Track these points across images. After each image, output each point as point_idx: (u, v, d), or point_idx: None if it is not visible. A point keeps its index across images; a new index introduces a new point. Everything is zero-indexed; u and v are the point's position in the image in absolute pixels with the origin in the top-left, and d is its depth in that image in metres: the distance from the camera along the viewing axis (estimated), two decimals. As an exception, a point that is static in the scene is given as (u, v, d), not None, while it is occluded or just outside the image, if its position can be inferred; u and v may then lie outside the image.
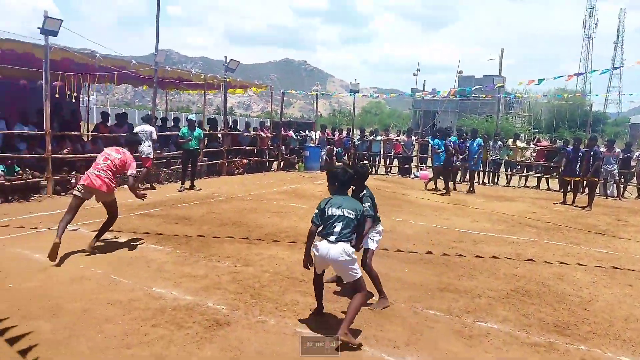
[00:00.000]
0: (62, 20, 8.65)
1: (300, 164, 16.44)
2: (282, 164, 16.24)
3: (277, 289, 4.65)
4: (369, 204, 4.29)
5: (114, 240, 6.15)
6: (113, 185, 5.69)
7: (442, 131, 13.60)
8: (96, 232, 5.83)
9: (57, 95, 9.76)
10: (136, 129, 10.97)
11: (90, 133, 12.31)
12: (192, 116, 11.66)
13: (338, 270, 3.91)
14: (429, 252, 6.32)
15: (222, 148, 13.99)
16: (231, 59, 13.62)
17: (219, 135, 14.61)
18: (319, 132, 17.34)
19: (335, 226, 3.70)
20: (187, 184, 10.76)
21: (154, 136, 10.76)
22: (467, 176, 13.69)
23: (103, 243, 5.90)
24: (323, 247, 3.69)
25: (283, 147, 16.41)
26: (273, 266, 5.36)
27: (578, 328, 4.15)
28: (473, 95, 33.02)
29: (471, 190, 12.72)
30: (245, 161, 14.79)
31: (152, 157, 10.54)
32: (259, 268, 5.27)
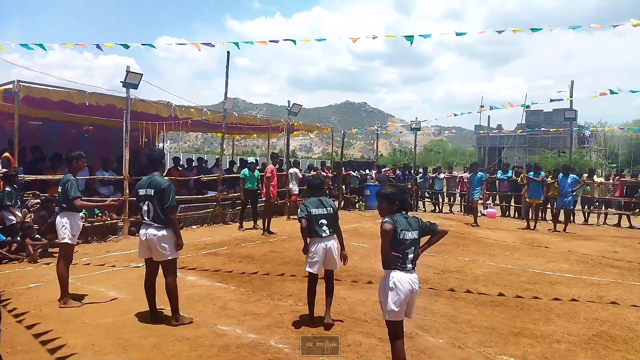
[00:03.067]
0: (142, 74, 9.47)
1: (361, 203, 16.39)
2: (342, 203, 16.28)
3: (339, 329, 4.56)
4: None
5: (182, 278, 6.38)
6: None
7: (538, 167, 13.18)
8: None
9: (140, 144, 10.61)
10: (290, 171, 13.48)
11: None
12: (251, 159, 12.10)
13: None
14: (500, 294, 5.97)
15: (285, 189, 14.30)
16: (294, 103, 14.12)
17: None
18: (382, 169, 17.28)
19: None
20: (256, 223, 11.09)
21: (299, 176, 13.48)
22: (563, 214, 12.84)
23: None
24: None
25: (344, 186, 16.50)
26: (335, 305, 5.28)
27: (677, 381, 3.69)
28: (542, 129, 31.68)
29: (564, 230, 11.93)
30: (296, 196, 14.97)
31: (296, 192, 13.15)
32: (321, 307, 5.22)
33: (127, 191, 9.61)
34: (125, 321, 4.67)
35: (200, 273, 6.67)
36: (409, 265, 3.40)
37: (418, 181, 16.85)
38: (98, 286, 5.90)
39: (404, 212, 3.52)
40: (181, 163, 14.50)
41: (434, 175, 16.97)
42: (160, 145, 17.32)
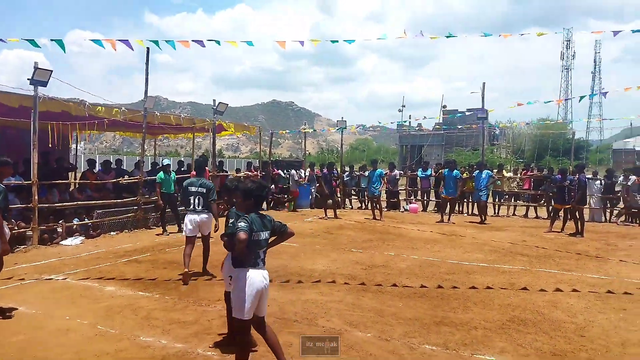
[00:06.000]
0: (51, 71, 8.77)
1: (290, 202, 16.42)
2: (271, 203, 16.21)
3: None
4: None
5: (100, 289, 6.02)
6: None
7: (452, 164, 13.91)
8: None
9: (51, 146, 9.80)
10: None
11: (77, 181, 12.28)
12: (167, 160, 11.62)
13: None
14: (423, 286, 6.27)
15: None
16: (219, 102, 13.81)
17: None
18: (308, 170, 17.44)
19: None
20: (171, 228, 10.70)
21: (296, 177, 14.90)
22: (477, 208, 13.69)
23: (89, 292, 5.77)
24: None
25: (272, 186, 16.43)
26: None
27: (575, 355, 4.10)
28: (458, 127, 33.69)
29: (483, 221, 12.74)
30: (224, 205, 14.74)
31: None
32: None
33: (36, 197, 8.87)
34: (38, 338, 4.32)
35: (121, 282, 6.32)
36: (261, 263, 3.53)
37: (345, 179, 17.21)
38: (6, 302, 5.39)
39: (259, 211, 3.61)
40: (99, 165, 13.64)
41: (360, 173, 17.41)
42: (74, 146, 16.16)
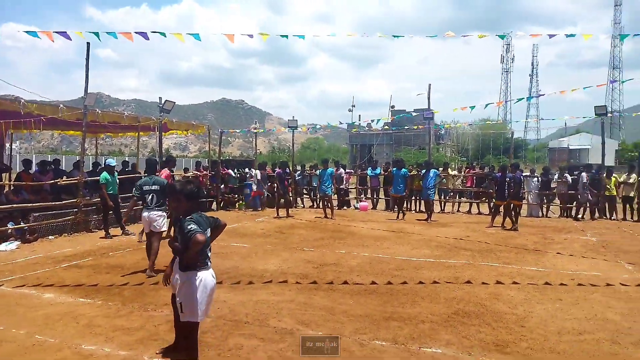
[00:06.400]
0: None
1: (241, 202, 16.21)
2: (222, 203, 15.93)
3: (219, 334, 4.46)
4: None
5: (38, 296, 5.68)
6: None
7: (399, 162, 14.17)
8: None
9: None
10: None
11: (12, 182, 11.51)
12: (111, 160, 11.13)
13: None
14: (374, 282, 6.37)
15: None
16: (166, 100, 13.40)
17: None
18: (259, 170, 17.27)
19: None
20: (124, 229, 10.31)
21: (259, 177, 15.05)
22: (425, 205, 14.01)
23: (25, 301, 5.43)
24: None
25: (222, 185, 16.15)
26: (215, 310, 5.14)
27: (517, 345, 4.31)
28: (406, 127, 34.57)
29: (428, 219, 13.08)
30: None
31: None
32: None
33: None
34: (-36, 353, 4.01)
35: (60, 289, 5.99)
36: (209, 262, 3.56)
37: (296, 178, 17.20)
38: None
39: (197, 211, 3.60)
40: (35, 165, 12.87)
41: (311, 172, 17.46)
42: (8, 146, 15.15)
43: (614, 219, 13.70)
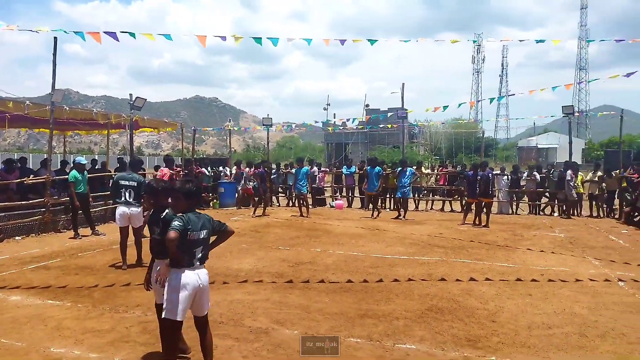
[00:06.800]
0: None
1: (215, 201, 16.04)
2: (195, 202, 15.69)
3: (194, 335, 4.38)
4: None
5: (4, 298, 5.48)
6: None
7: (373, 161, 14.24)
8: None
9: None
10: None
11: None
12: (81, 159, 10.84)
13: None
14: (350, 281, 6.40)
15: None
16: (137, 97, 13.12)
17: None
18: (234, 167, 17.14)
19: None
20: (94, 230, 10.08)
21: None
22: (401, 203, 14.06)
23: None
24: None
25: (196, 185, 15.92)
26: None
27: (488, 340, 4.40)
28: (380, 126, 34.85)
29: (402, 217, 13.16)
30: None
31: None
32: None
33: None
34: None
35: (28, 291, 5.80)
36: (197, 263, 3.46)
37: (272, 177, 17.12)
38: None
39: (196, 210, 3.56)
40: (1, 163, 12.41)
41: (287, 170, 17.41)
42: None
43: (581, 216, 14.14)
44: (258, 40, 9.28)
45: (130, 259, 7.12)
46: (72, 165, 10.51)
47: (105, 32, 8.71)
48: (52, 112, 10.44)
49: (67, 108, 11.64)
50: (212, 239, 3.66)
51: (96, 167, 14.50)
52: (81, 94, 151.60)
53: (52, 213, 10.48)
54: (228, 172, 16.97)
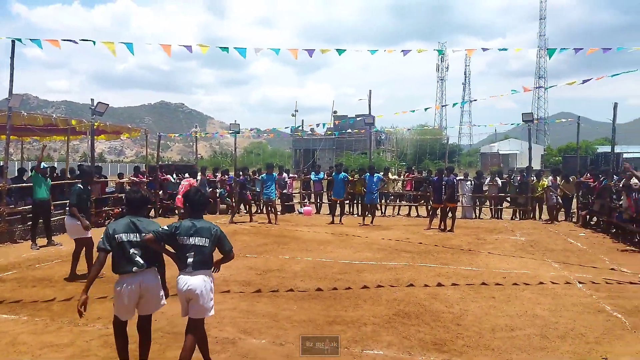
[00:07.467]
0: None
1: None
2: (160, 210, 15.36)
3: (156, 348, 4.27)
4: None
5: (-48, 315, 5.18)
6: None
7: (339, 166, 14.43)
8: None
9: None
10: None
11: None
12: (43, 164, 10.45)
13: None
14: (319, 289, 6.36)
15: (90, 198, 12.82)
16: (99, 102, 12.77)
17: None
18: (199, 174, 16.86)
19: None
20: (42, 241, 9.66)
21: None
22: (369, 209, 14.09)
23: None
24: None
25: (161, 192, 15.58)
26: (152, 322, 4.94)
27: (454, 343, 4.47)
28: (348, 132, 35.15)
29: (370, 222, 13.22)
30: (118, 210, 13.70)
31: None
32: (135, 326, 4.82)
33: None
34: None
35: (-21, 306, 5.50)
36: (189, 268, 3.61)
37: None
38: None
39: (194, 218, 3.79)
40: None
41: (254, 176, 17.26)
42: None
43: (542, 220, 14.64)
44: (225, 49, 9.17)
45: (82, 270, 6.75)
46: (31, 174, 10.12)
47: (64, 40, 8.41)
48: (9, 118, 10.02)
49: (25, 113, 11.22)
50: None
51: (55, 174, 13.97)
52: (41, 99, 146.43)
53: (8, 223, 10.03)
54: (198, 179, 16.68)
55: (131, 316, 3.70)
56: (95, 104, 12.67)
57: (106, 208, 13.55)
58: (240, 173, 14.90)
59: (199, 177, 16.40)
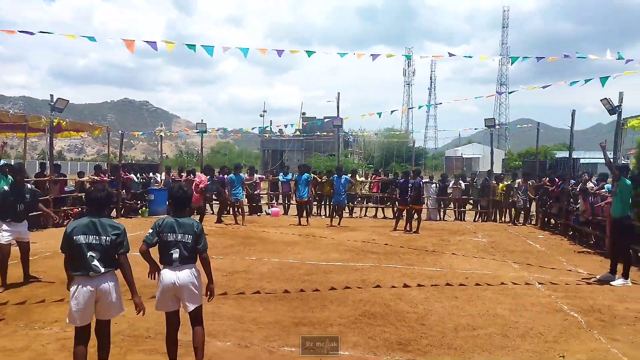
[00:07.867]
0: None
1: (144, 208, 15.33)
2: (122, 210, 14.94)
3: (116, 351, 4.15)
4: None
5: None
6: None
7: (303, 167, 14.31)
8: None
9: None
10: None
11: None
12: (1, 161, 9.96)
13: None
14: (286, 291, 6.33)
15: (48, 197, 12.32)
16: (59, 98, 12.32)
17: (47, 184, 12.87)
18: (164, 174, 16.51)
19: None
20: None
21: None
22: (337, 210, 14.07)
23: None
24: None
25: (124, 191, 15.15)
26: (113, 325, 4.78)
27: (418, 342, 4.54)
28: (316, 134, 35.20)
29: (337, 223, 13.24)
30: (77, 210, 13.22)
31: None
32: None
33: None
34: None
35: None
36: (175, 263, 3.71)
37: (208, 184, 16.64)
38: None
39: (176, 215, 3.89)
40: None
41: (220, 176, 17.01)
42: None
43: (501, 222, 15.08)
44: (192, 47, 8.96)
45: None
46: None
47: (20, 31, 8.01)
48: (-41, 112, 9.50)
49: (-23, 107, 10.65)
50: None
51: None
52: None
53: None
54: (159, 179, 16.33)
55: (87, 321, 3.53)
56: (54, 100, 12.22)
57: (65, 208, 13.07)
58: (221, 172, 14.65)
59: (163, 177, 16.12)
